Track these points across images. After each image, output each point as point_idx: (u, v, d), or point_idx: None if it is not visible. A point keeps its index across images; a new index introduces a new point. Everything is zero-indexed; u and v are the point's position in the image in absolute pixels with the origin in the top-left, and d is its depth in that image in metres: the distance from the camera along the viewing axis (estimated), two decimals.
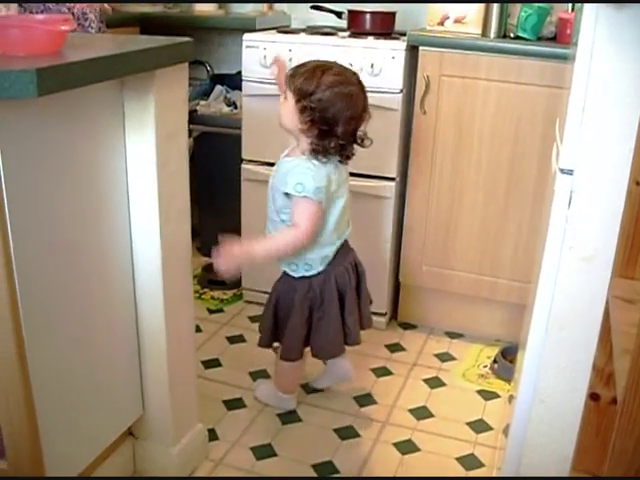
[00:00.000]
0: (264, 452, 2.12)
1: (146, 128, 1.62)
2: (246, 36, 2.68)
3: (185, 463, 1.97)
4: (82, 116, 1.51)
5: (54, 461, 1.55)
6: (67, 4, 2.07)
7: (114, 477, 1.88)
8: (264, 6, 3.28)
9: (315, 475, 2.03)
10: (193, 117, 3.12)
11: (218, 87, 3.31)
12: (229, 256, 1.96)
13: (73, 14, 2.04)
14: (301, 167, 1.96)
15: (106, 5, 2.32)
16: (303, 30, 2.89)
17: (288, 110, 1.98)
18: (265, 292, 2.93)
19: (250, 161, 2.79)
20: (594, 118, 1.38)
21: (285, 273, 2.15)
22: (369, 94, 2.47)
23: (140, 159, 1.65)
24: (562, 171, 1.45)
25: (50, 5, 2.04)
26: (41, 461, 1.52)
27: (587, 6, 1.35)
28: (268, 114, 2.68)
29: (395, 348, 2.72)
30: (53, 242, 1.48)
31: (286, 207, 2.00)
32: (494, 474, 2.01)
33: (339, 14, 2.93)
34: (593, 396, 1.44)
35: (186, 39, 1.66)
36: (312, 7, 3.01)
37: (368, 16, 2.75)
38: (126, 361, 1.82)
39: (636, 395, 0.96)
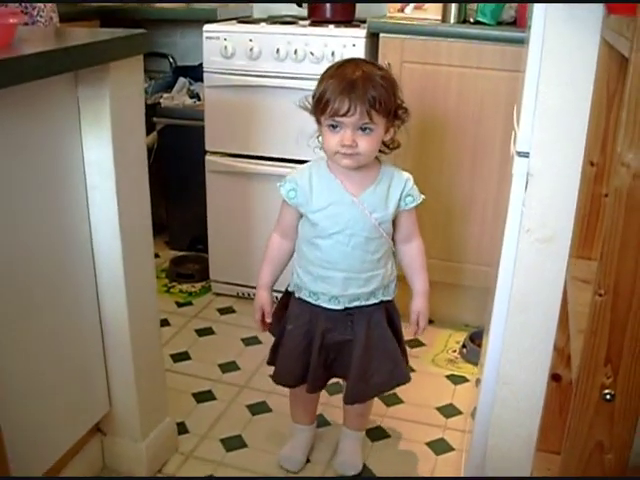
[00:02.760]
0: (234, 443, 2.12)
1: (102, 122, 1.60)
2: (206, 27, 2.66)
3: (154, 457, 1.97)
4: (35, 111, 1.49)
5: (19, 459, 1.54)
6: None
7: (115, 477, 1.88)
8: None
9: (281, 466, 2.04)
10: (157, 110, 3.11)
11: (181, 79, 3.29)
12: (425, 319, 1.88)
13: (20, 4, 1.98)
14: (406, 173, 1.82)
15: None
16: (264, 20, 2.88)
17: (373, 142, 1.70)
18: (233, 284, 2.95)
19: (214, 153, 2.78)
20: (547, 101, 1.39)
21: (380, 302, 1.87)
22: None
23: (97, 153, 1.63)
24: (519, 154, 1.46)
25: None
26: (5, 459, 1.50)
27: None
28: (230, 105, 2.68)
29: None
30: (10, 239, 1.46)
31: (386, 238, 1.81)
32: (463, 458, 2.02)
33: (299, 3, 2.92)
34: (555, 377, 1.46)
35: (140, 31, 1.64)
36: None
37: (328, 4, 2.74)
38: (90, 357, 1.80)
39: (589, 375, 0.97)
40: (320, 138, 1.76)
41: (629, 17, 0.94)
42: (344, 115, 1.63)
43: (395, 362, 1.87)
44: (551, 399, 1.47)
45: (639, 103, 0.84)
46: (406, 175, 1.81)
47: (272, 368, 1.96)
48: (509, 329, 1.57)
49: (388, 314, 1.88)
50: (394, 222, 1.81)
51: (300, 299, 1.86)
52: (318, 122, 1.73)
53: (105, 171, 1.64)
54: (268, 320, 1.92)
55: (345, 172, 1.75)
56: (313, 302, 1.83)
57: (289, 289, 1.92)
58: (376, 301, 1.83)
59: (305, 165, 1.82)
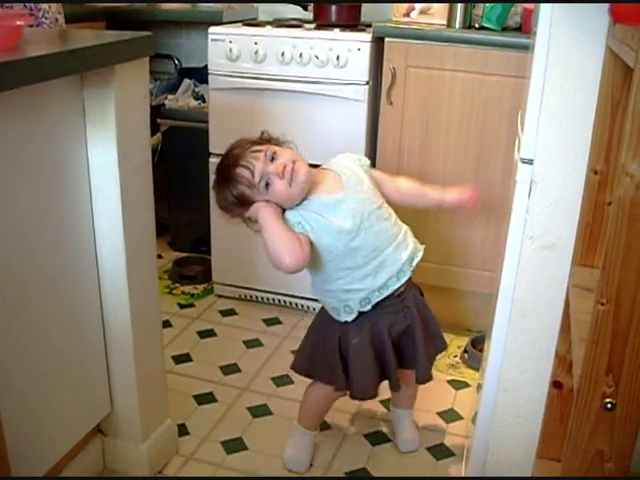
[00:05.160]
0: (235, 446, 2.12)
1: (107, 124, 1.61)
2: (211, 29, 2.67)
3: (155, 459, 1.97)
4: (41, 113, 1.50)
5: (20, 460, 1.54)
6: None
7: (115, 477, 1.89)
8: None
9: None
10: (161, 111, 3.11)
11: (186, 81, 3.29)
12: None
13: (25, 5, 1.98)
14: (343, 155, 1.96)
15: None
16: (269, 23, 2.88)
17: (288, 153, 1.84)
18: (236, 286, 2.95)
19: (218, 155, 2.77)
20: (552, 108, 1.39)
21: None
22: (335, 86, 2.50)
23: (102, 155, 1.64)
24: (523, 161, 1.46)
25: None
26: (6, 459, 1.50)
27: None
28: (235, 107, 2.68)
29: None
30: (14, 240, 1.47)
31: (384, 201, 1.91)
32: (463, 463, 2.02)
33: (305, 6, 2.92)
34: (556, 384, 1.46)
35: (146, 33, 1.65)
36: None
37: (334, 8, 2.75)
38: (92, 358, 1.80)
39: (590, 383, 0.97)
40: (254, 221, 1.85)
41: (634, 27, 0.94)
42: (256, 169, 1.77)
43: (437, 332, 2.01)
44: (552, 406, 1.47)
45: None
46: (346, 155, 1.96)
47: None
48: (511, 335, 1.57)
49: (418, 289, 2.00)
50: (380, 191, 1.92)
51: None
52: (247, 214, 1.85)
53: (110, 173, 1.64)
54: None
55: (317, 189, 1.83)
56: (386, 294, 1.86)
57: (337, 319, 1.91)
58: (416, 261, 1.90)
59: (289, 214, 1.82)
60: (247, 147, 1.82)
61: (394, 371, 1.92)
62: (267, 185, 1.76)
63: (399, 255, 1.86)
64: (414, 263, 1.89)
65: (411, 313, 1.90)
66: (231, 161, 1.82)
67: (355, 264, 1.82)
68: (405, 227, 1.92)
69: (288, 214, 1.81)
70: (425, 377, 1.98)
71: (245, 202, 1.81)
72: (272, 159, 1.78)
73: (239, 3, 3.21)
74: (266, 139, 1.88)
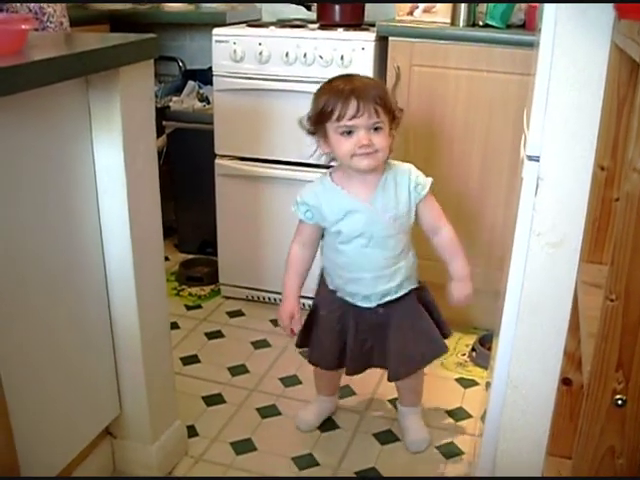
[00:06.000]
0: (244, 447, 2.11)
1: (113, 126, 1.61)
2: (215, 31, 2.67)
3: (165, 460, 1.97)
4: (47, 116, 1.50)
5: (30, 462, 1.54)
6: None
7: (114, 477, 1.89)
8: None
9: (296, 468, 2.04)
10: (166, 113, 3.11)
11: (190, 83, 3.29)
12: (469, 297, 1.94)
13: (30, 9, 1.98)
14: (407, 164, 1.89)
15: None
16: (273, 23, 2.88)
17: (386, 139, 1.77)
18: (243, 287, 2.95)
19: (223, 156, 2.78)
20: (558, 104, 1.39)
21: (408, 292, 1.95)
22: None
23: (108, 157, 1.64)
24: (529, 158, 1.46)
25: None
26: (16, 462, 1.51)
27: None
28: (239, 108, 2.69)
29: None
30: (21, 243, 1.47)
31: (404, 232, 1.88)
32: (473, 462, 2.02)
33: (308, 6, 2.92)
34: (565, 381, 1.46)
35: (151, 35, 1.65)
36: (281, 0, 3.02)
37: (337, 8, 2.74)
38: (100, 360, 1.81)
39: (600, 380, 0.97)
40: (320, 152, 1.84)
41: (639, 22, 0.94)
42: (354, 117, 1.70)
43: (431, 336, 1.98)
44: (562, 403, 1.47)
45: None
46: (407, 167, 1.88)
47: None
48: (519, 333, 1.57)
49: (419, 296, 1.97)
50: (417, 216, 1.87)
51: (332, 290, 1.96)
52: (321, 135, 1.79)
53: (116, 175, 1.65)
54: (297, 327, 1.98)
55: (350, 181, 1.83)
56: (350, 301, 1.92)
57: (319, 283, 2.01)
58: (405, 292, 1.92)
59: (309, 185, 1.89)
60: (374, 95, 1.72)
61: (351, 353, 1.96)
62: (349, 133, 1.72)
63: (374, 284, 1.88)
64: (385, 299, 1.90)
65: (388, 314, 1.92)
66: (354, 90, 1.72)
67: (335, 257, 1.89)
68: (405, 266, 1.90)
69: (306, 195, 1.84)
70: (394, 375, 2.01)
71: (319, 121, 1.77)
72: (375, 129, 1.73)
73: (243, 3, 3.21)
74: (396, 109, 1.80)
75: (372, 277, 1.87)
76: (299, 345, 2.09)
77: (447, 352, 2.05)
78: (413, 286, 1.95)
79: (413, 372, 2.03)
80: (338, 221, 1.83)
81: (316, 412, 2.20)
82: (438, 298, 2.02)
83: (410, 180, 1.84)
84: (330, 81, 1.80)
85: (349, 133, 1.73)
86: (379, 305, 1.92)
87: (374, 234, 1.82)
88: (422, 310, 1.97)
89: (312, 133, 1.82)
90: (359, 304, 1.92)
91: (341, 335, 1.96)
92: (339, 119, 1.71)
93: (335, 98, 1.72)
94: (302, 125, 1.83)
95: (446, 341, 2.03)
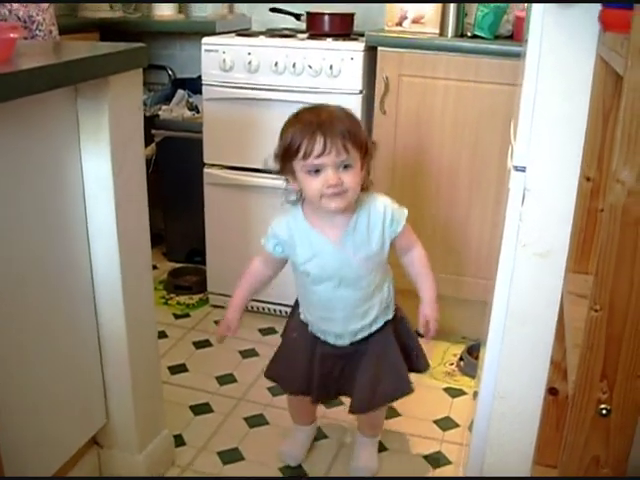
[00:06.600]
0: (231, 456, 2.11)
1: (101, 135, 1.61)
2: (205, 39, 2.67)
3: (151, 470, 1.96)
4: (35, 124, 1.50)
5: (15, 471, 1.54)
6: (7, 5, 1.94)
7: (114, 477, 1.88)
8: (224, 8, 3.28)
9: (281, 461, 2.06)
10: (155, 122, 3.11)
11: (180, 91, 3.30)
12: (434, 323, 1.83)
13: (19, 17, 1.98)
14: (381, 199, 1.77)
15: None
16: (262, 33, 2.89)
17: (356, 177, 1.66)
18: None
19: (212, 165, 2.78)
20: (544, 116, 1.40)
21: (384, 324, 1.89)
22: (328, 95, 2.50)
23: (96, 165, 1.64)
24: (516, 168, 1.47)
25: None
26: (2, 471, 1.50)
27: (535, 5, 1.37)
28: (229, 117, 2.69)
29: None
30: (8, 251, 1.47)
31: (377, 269, 1.80)
32: (460, 471, 2.02)
33: (297, 16, 2.93)
34: (552, 391, 1.47)
35: (140, 45, 1.65)
36: (271, 10, 3.03)
37: (326, 17, 2.76)
38: (88, 369, 1.80)
39: (585, 390, 0.97)
40: (289, 190, 1.75)
41: (623, 34, 0.94)
42: (320, 155, 1.60)
43: (399, 373, 1.89)
44: (548, 413, 1.48)
45: (634, 121, 0.85)
46: (381, 203, 1.76)
47: (268, 381, 2.03)
48: (506, 342, 1.58)
49: (394, 326, 1.90)
50: (391, 244, 1.78)
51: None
52: (289, 173, 1.70)
53: (104, 183, 1.64)
54: (229, 334, 1.91)
55: (322, 218, 1.73)
56: (321, 338, 1.88)
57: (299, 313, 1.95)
58: (379, 326, 1.87)
59: (282, 217, 1.79)
60: (342, 130, 1.61)
61: (317, 381, 1.89)
62: (316, 171, 1.62)
63: (345, 323, 1.83)
64: (357, 337, 1.85)
65: (358, 345, 1.87)
66: (320, 125, 1.61)
67: (305, 294, 1.86)
68: (379, 301, 1.83)
69: (277, 227, 1.77)
70: (357, 408, 1.92)
71: (286, 159, 1.67)
72: (345, 167, 1.63)
73: (241, 3, 3.23)
74: (368, 143, 1.70)
75: (344, 316, 1.81)
76: (267, 376, 2.02)
77: (412, 393, 1.92)
78: (388, 318, 1.88)
79: (375, 409, 1.95)
80: (306, 262, 1.76)
81: (299, 443, 2.12)
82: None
83: (385, 217, 1.74)
84: (297, 114, 1.70)
85: (316, 172, 1.62)
86: (352, 343, 1.86)
87: (345, 276, 1.75)
88: (395, 345, 1.88)
89: (279, 172, 1.72)
90: (331, 342, 1.87)
91: (311, 360, 1.89)
92: (305, 157, 1.61)
93: (301, 134, 1.61)
94: (268, 165, 1.73)
95: (434, 351, 2.02)
